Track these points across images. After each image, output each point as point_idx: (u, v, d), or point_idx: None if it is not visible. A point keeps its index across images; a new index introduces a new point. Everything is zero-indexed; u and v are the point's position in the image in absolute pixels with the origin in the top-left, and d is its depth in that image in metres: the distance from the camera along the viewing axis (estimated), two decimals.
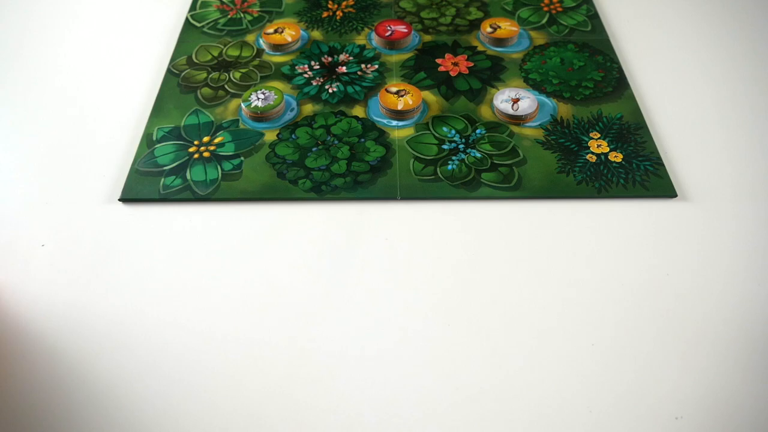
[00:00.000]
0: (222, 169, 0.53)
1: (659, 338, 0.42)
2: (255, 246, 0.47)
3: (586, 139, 0.55)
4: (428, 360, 0.41)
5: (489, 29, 0.65)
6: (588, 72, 0.62)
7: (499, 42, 0.65)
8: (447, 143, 0.55)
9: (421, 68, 0.62)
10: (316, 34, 0.67)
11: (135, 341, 0.42)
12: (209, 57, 0.64)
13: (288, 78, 0.62)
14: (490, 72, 0.62)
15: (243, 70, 0.62)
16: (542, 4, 0.71)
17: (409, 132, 0.56)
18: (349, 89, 0.60)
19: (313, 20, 0.68)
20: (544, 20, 0.68)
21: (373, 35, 0.66)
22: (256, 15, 0.69)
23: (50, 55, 0.65)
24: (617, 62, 0.63)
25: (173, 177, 0.52)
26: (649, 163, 0.53)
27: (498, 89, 0.60)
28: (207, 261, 0.46)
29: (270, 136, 0.56)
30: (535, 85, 0.60)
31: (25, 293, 0.45)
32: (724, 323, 0.42)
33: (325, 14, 0.69)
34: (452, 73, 0.62)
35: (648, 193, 0.51)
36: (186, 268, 0.46)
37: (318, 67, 0.63)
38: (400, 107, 0.56)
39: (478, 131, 0.56)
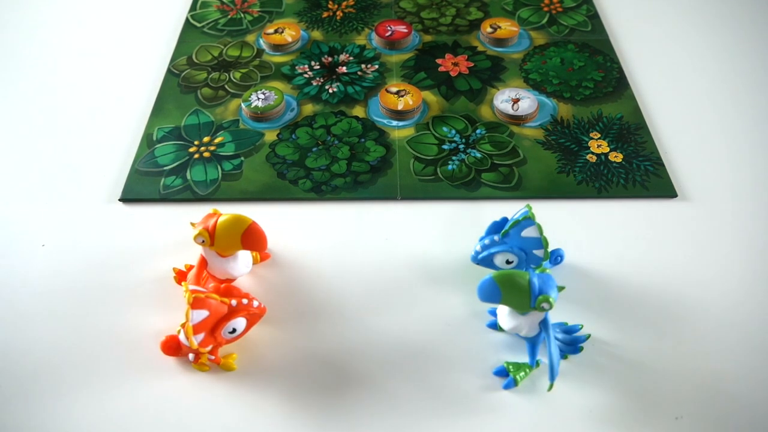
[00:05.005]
0: (222, 169, 0.53)
1: (659, 338, 0.42)
2: None
3: (586, 139, 0.55)
4: (426, 359, 0.41)
5: (489, 29, 0.65)
6: (588, 72, 0.62)
7: (499, 42, 0.65)
8: (447, 143, 0.55)
9: (421, 68, 0.62)
10: (316, 34, 0.67)
11: (134, 341, 0.42)
12: (209, 57, 0.64)
13: (288, 78, 0.62)
14: (490, 72, 0.62)
15: (243, 70, 0.62)
16: (542, 4, 0.71)
17: (409, 132, 0.56)
18: (349, 89, 0.60)
19: (313, 20, 0.68)
20: (544, 20, 0.68)
21: (373, 35, 0.66)
22: (256, 15, 0.70)
23: (50, 55, 0.65)
24: (617, 62, 0.63)
25: (173, 177, 0.52)
26: (649, 163, 0.53)
27: (498, 89, 0.60)
28: None
29: (270, 136, 0.56)
30: (536, 85, 0.60)
31: (25, 293, 0.45)
32: (723, 323, 0.42)
33: (325, 14, 0.69)
34: (452, 73, 0.62)
35: (648, 193, 0.51)
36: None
37: (318, 67, 0.63)
38: (400, 107, 0.56)
39: (478, 131, 0.56)
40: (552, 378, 0.37)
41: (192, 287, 0.37)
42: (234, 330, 0.39)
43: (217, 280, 0.43)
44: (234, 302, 0.38)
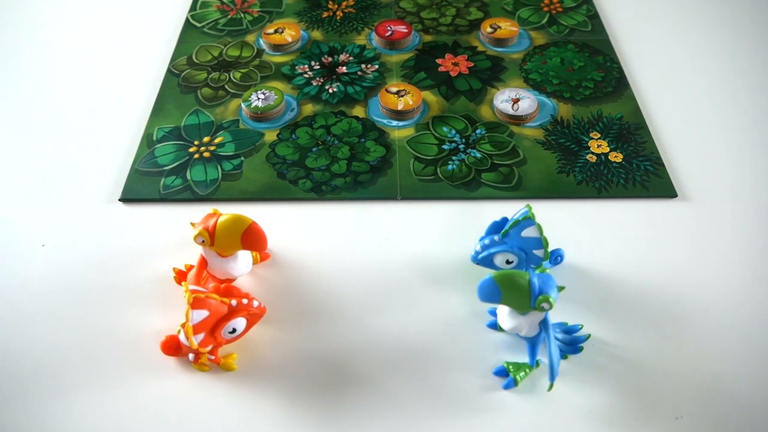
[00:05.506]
0: (222, 169, 0.53)
1: (659, 338, 0.42)
2: None
3: (586, 139, 0.55)
4: (426, 360, 0.41)
5: (489, 29, 0.65)
6: (588, 72, 0.62)
7: (499, 42, 0.65)
8: (447, 143, 0.55)
9: (421, 68, 0.62)
10: (316, 34, 0.67)
11: (134, 341, 0.42)
12: (209, 57, 0.64)
13: (288, 78, 0.62)
14: (490, 72, 0.62)
15: (243, 70, 0.62)
16: (542, 4, 0.71)
17: (409, 132, 0.56)
18: (349, 89, 0.60)
19: (313, 20, 0.69)
20: (544, 20, 0.68)
21: (373, 35, 0.66)
22: (256, 15, 0.70)
23: (51, 55, 0.65)
24: (617, 62, 0.63)
25: (173, 177, 0.52)
26: (649, 163, 0.53)
27: (498, 89, 0.60)
28: None
29: (270, 136, 0.56)
30: (536, 85, 0.60)
31: (25, 293, 0.45)
32: (723, 323, 0.42)
33: (325, 14, 0.69)
34: (452, 73, 0.62)
35: (648, 193, 0.51)
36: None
37: (318, 67, 0.63)
38: (400, 107, 0.56)
39: (478, 131, 0.56)
40: (552, 378, 0.37)
41: (192, 287, 0.37)
42: (234, 330, 0.39)
43: (217, 280, 0.43)
44: (234, 302, 0.38)
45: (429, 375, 0.40)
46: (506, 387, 0.39)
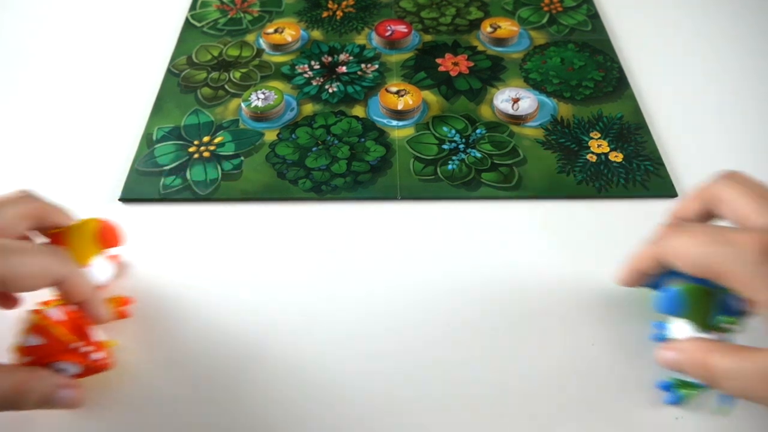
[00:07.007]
0: (222, 169, 0.53)
1: None
2: (255, 246, 0.47)
3: (587, 139, 0.55)
4: (427, 360, 0.41)
5: (489, 29, 0.65)
6: (588, 72, 0.62)
7: (499, 42, 0.65)
8: (447, 143, 0.55)
9: (421, 68, 0.62)
10: (316, 34, 0.67)
11: (133, 341, 0.42)
12: (209, 57, 0.64)
13: (288, 78, 0.62)
14: (490, 72, 0.62)
15: (243, 70, 0.62)
16: (542, 4, 0.71)
17: (409, 132, 0.56)
18: (349, 89, 0.60)
19: (313, 20, 0.68)
20: (545, 20, 0.68)
21: (373, 35, 0.66)
22: (256, 15, 0.69)
23: (50, 55, 0.65)
24: (617, 62, 0.63)
25: (173, 177, 0.52)
26: (650, 163, 0.53)
27: (498, 89, 0.60)
28: (207, 261, 0.46)
29: (270, 136, 0.56)
30: (536, 85, 0.60)
31: (23, 293, 0.44)
32: None
33: (325, 14, 0.69)
34: (452, 73, 0.62)
35: (648, 193, 0.51)
36: (185, 268, 0.46)
37: (318, 66, 0.63)
38: (400, 107, 0.56)
39: (478, 131, 0.56)
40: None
41: (43, 309, 0.35)
42: (64, 369, 0.36)
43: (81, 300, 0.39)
44: (75, 345, 0.36)
45: (428, 374, 0.40)
46: (671, 402, 0.38)
